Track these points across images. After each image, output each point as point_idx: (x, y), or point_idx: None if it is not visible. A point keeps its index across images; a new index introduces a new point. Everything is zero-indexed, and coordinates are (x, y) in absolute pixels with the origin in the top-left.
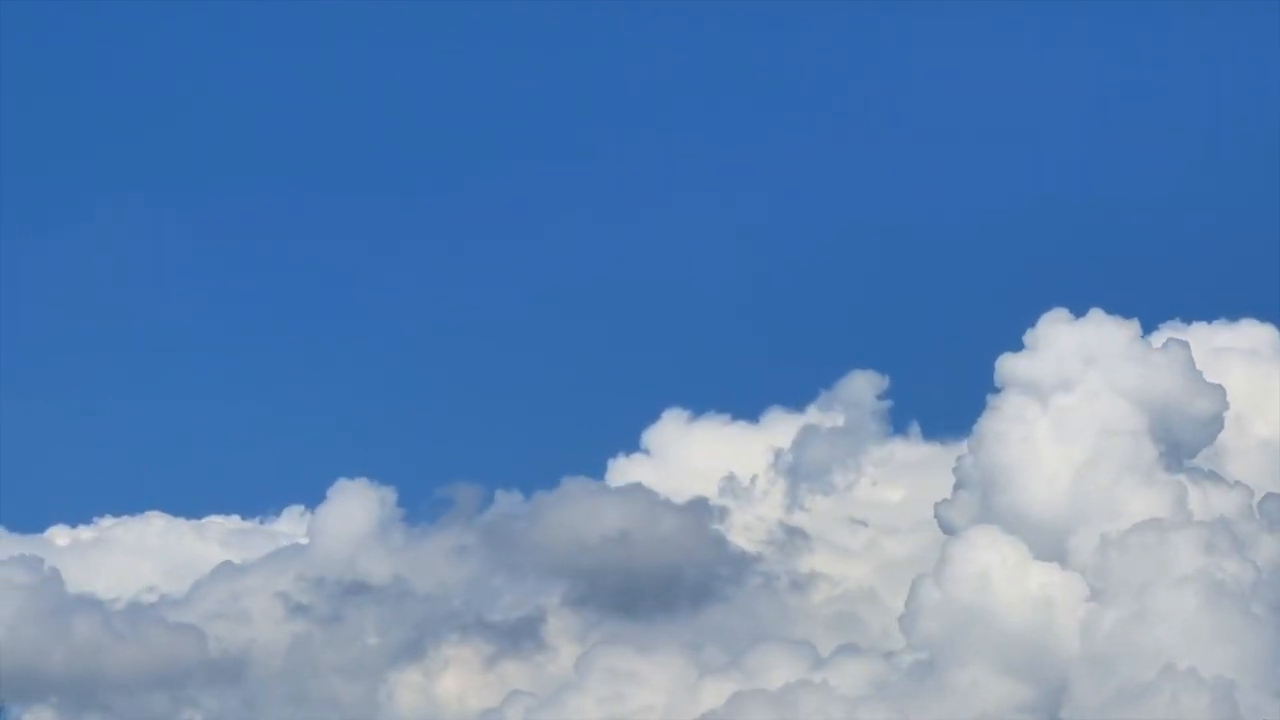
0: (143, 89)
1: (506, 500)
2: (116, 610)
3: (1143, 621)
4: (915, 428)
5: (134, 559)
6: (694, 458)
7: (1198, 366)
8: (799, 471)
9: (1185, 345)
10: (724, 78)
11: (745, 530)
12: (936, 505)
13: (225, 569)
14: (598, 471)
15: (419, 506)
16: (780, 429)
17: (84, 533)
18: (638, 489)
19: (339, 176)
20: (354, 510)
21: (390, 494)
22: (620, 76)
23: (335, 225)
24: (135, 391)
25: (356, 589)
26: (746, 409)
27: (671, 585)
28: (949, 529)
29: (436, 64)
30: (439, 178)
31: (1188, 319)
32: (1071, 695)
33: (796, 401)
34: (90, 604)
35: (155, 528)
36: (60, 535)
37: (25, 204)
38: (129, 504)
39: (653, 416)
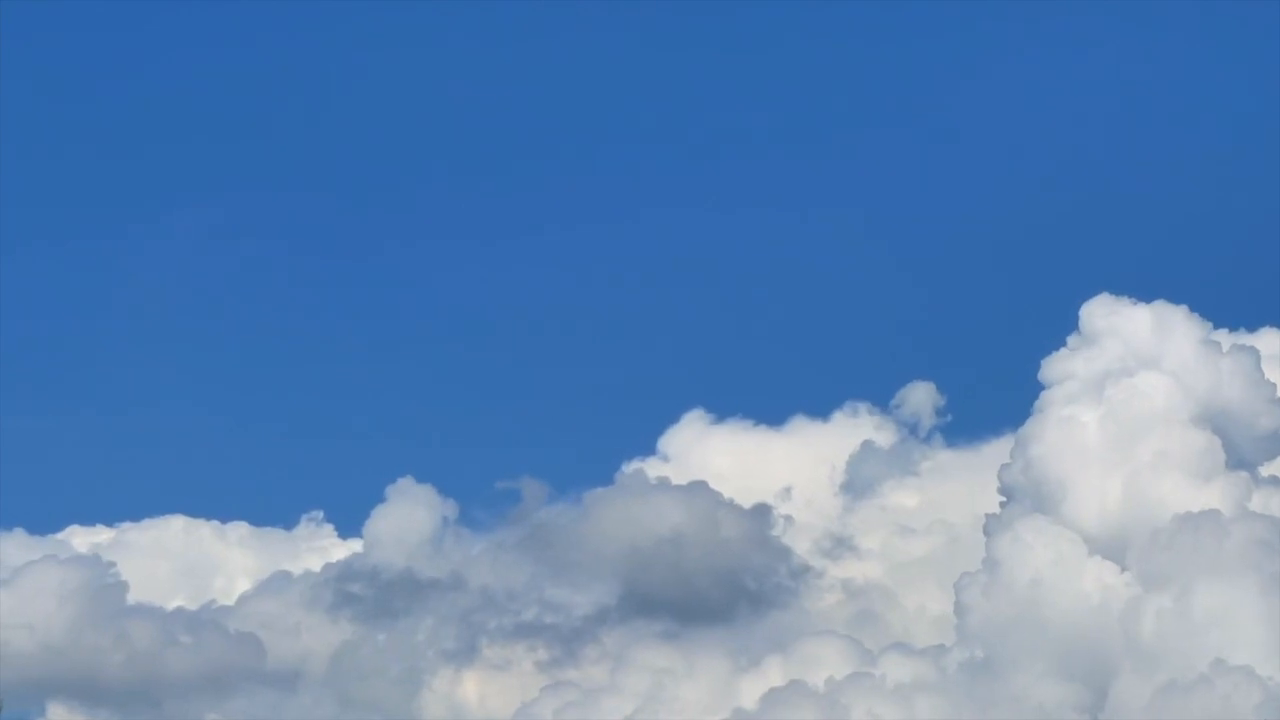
0: (164, 93)
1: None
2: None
3: (1194, 618)
4: (938, 437)
5: (153, 561)
6: (714, 462)
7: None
8: (852, 485)
9: (1254, 351)
10: (758, 76)
11: (794, 535)
12: (987, 517)
13: (281, 576)
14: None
15: (471, 507)
16: (803, 436)
17: (102, 534)
18: (701, 487)
19: (379, 180)
20: (408, 513)
21: (448, 500)
22: (652, 78)
23: (360, 227)
24: (151, 394)
25: (409, 590)
26: (770, 414)
27: (721, 587)
28: (997, 527)
29: (477, 67)
30: (475, 185)
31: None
32: (1120, 690)
33: (820, 409)
34: (146, 610)
35: (174, 530)
36: (77, 536)
37: (51, 210)
38: (149, 507)
39: (673, 419)
